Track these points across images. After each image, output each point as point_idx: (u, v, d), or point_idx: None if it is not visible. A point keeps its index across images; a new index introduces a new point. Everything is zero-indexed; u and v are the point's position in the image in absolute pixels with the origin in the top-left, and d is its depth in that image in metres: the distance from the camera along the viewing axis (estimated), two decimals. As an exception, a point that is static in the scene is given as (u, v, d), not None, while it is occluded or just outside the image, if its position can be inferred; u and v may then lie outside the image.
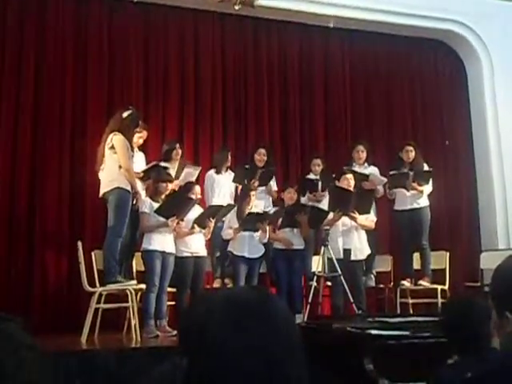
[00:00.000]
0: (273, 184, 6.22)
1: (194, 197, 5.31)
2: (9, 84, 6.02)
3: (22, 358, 0.85)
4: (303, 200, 6.13)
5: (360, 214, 5.56)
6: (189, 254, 5.31)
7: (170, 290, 5.26)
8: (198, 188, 5.48)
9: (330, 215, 5.57)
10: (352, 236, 5.59)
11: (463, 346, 2.03)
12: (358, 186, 5.92)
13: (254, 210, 5.67)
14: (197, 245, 5.37)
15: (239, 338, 0.84)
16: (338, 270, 5.30)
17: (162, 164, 5.48)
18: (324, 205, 5.73)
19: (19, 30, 6.14)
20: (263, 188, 6.10)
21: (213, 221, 5.37)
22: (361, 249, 5.61)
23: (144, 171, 5.36)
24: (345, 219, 5.58)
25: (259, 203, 5.91)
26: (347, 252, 5.52)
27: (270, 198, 6.21)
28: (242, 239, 5.56)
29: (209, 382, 0.84)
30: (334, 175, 6.19)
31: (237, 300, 0.91)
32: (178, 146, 5.83)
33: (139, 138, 5.57)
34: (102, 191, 4.97)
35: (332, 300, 5.70)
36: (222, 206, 5.54)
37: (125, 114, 5.05)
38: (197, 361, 0.85)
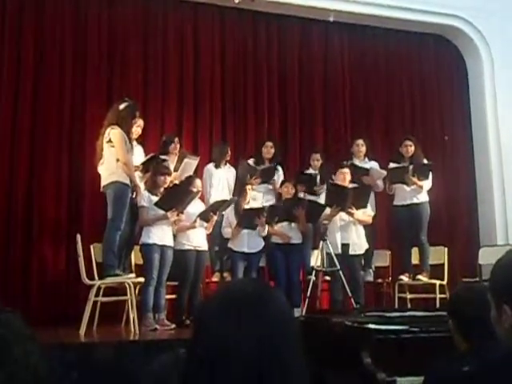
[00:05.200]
0: (277, 179, 6.18)
1: (194, 190, 5.30)
2: (8, 76, 6.00)
3: (26, 347, 0.87)
4: (300, 194, 6.12)
5: (357, 208, 5.58)
6: (191, 248, 5.31)
7: (170, 283, 5.26)
8: (198, 181, 5.47)
9: (328, 210, 5.59)
10: (350, 231, 5.61)
11: (477, 333, 1.97)
12: (359, 181, 5.93)
13: (252, 204, 5.68)
14: (198, 238, 5.37)
15: (237, 329, 0.84)
16: (337, 264, 5.31)
17: (161, 157, 5.46)
18: (322, 199, 5.74)
19: (18, 21, 6.12)
20: (266, 184, 6.09)
21: (215, 216, 5.37)
22: (359, 244, 5.65)
23: (143, 163, 5.34)
24: (343, 214, 5.60)
25: (258, 196, 5.91)
26: (345, 247, 5.54)
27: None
28: (241, 235, 5.57)
29: (206, 373, 0.84)
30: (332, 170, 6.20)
31: (235, 292, 0.91)
32: (176, 139, 5.82)
33: (137, 126, 5.47)
34: (102, 185, 4.97)
35: (331, 294, 5.71)
36: (225, 200, 5.54)
37: (121, 107, 5.03)
38: (196, 352, 0.85)
